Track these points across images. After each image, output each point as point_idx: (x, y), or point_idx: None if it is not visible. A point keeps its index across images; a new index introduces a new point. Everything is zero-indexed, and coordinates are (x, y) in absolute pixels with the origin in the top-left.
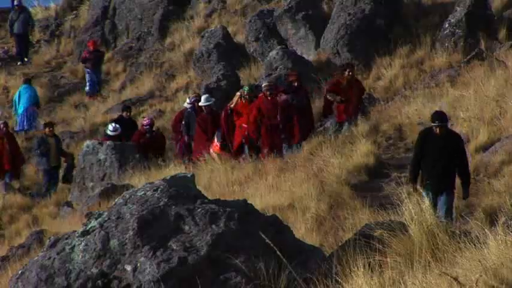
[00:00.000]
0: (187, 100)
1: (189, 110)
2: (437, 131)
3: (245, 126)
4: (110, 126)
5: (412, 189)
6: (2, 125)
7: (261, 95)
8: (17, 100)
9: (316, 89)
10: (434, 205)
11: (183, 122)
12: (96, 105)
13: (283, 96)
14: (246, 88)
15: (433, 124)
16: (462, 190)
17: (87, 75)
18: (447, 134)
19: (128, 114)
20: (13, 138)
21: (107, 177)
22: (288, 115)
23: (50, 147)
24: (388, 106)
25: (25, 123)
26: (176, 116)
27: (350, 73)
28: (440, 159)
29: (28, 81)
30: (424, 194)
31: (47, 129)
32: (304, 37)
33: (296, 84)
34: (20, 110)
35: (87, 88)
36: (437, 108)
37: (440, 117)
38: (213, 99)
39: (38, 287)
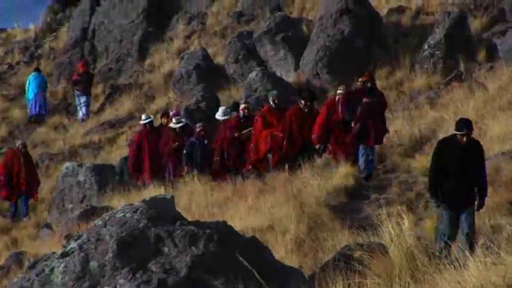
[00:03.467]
0: (143, 117)
1: (192, 139)
2: (464, 140)
3: (279, 134)
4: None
5: (435, 205)
6: (20, 146)
7: (296, 106)
8: (28, 87)
9: None
10: (452, 224)
11: (184, 152)
12: (75, 127)
13: (364, 99)
14: (274, 92)
15: (458, 133)
16: (479, 200)
17: (77, 99)
18: (469, 143)
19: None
20: (30, 160)
21: (86, 199)
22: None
23: None
24: None
25: (36, 108)
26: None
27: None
28: (462, 171)
29: (38, 69)
30: (443, 211)
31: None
32: (284, 58)
33: (369, 85)
34: (30, 96)
35: (81, 113)
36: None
37: (467, 124)
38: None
39: None
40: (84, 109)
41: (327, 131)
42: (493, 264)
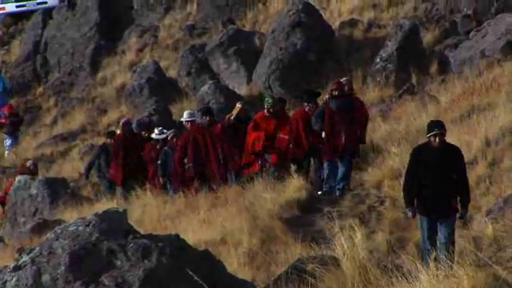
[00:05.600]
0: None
1: (165, 148)
2: (436, 140)
3: (285, 137)
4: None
5: (410, 215)
6: (31, 166)
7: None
8: None
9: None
10: (430, 235)
11: (159, 162)
12: (27, 140)
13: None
14: (269, 101)
15: (430, 134)
16: (461, 209)
17: (4, 141)
18: (445, 147)
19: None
20: None
21: (38, 212)
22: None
23: None
24: None
25: None
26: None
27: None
28: (439, 178)
29: None
30: (421, 221)
31: None
32: (236, 71)
33: (337, 93)
34: None
35: (6, 153)
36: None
37: (439, 124)
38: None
39: None
40: (8, 150)
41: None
42: (446, 277)
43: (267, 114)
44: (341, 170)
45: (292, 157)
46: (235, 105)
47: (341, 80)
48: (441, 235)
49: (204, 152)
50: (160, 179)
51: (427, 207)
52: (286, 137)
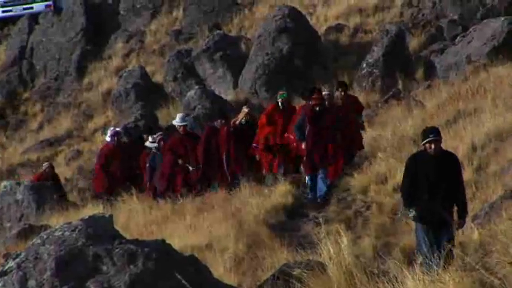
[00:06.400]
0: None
1: (154, 151)
2: (432, 147)
3: (291, 136)
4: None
5: (410, 216)
6: (47, 168)
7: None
8: None
9: None
10: (428, 242)
11: (147, 165)
12: (13, 145)
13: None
14: (284, 94)
15: (426, 140)
16: (458, 219)
17: None
18: (442, 154)
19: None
20: (58, 181)
21: (24, 217)
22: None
23: None
24: None
25: None
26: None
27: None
28: (435, 188)
29: None
30: (420, 229)
31: None
32: (223, 77)
33: (318, 108)
34: None
35: None
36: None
37: (434, 131)
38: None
39: None
40: None
41: None
42: (432, 282)
43: (280, 107)
44: (323, 181)
45: (298, 154)
46: (242, 109)
47: (323, 93)
48: (439, 243)
49: (214, 154)
50: (148, 184)
51: (424, 216)
52: (292, 136)
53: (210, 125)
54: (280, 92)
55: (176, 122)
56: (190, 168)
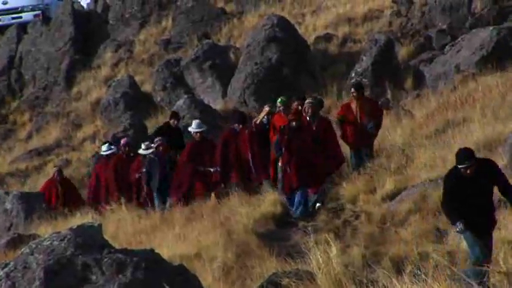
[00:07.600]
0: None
1: (151, 156)
2: (468, 172)
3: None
4: (104, 147)
5: (458, 230)
6: (56, 173)
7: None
8: None
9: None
10: (482, 249)
11: (144, 170)
12: (2, 154)
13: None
14: (283, 99)
15: (461, 166)
16: None
17: None
18: (478, 171)
19: (175, 122)
20: (69, 185)
21: (13, 227)
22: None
23: None
24: None
25: None
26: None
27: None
28: (479, 201)
29: None
30: (470, 236)
31: None
32: (211, 86)
33: (295, 124)
34: None
35: None
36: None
37: (468, 155)
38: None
39: None
40: None
41: None
42: None
43: (282, 114)
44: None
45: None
46: (263, 108)
47: (301, 107)
48: (490, 248)
49: (235, 156)
50: (145, 188)
51: (474, 229)
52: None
53: (229, 128)
54: (280, 98)
55: (192, 128)
56: (212, 170)
